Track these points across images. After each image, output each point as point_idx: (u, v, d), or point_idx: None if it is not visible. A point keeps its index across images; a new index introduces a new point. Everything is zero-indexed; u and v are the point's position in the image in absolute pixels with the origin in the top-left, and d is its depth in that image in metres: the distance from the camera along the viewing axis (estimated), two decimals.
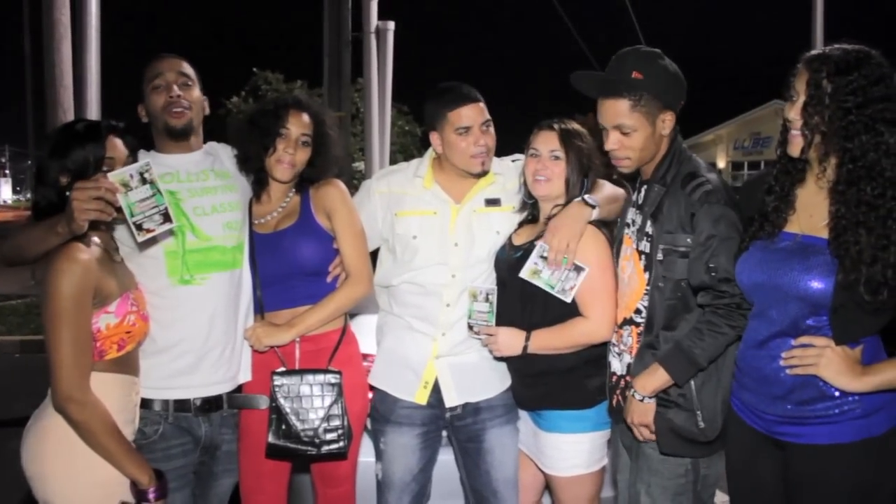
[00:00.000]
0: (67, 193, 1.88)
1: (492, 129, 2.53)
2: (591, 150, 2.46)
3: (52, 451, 1.96)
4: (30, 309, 9.53)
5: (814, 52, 1.89)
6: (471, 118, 2.46)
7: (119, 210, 1.89)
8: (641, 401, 2.18)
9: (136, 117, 2.39)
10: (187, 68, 2.39)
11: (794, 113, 1.89)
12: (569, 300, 2.32)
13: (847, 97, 1.79)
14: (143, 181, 1.89)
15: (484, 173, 2.55)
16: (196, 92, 2.39)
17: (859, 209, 1.80)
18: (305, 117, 2.45)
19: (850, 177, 1.82)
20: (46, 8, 8.79)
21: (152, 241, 2.19)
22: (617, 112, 2.20)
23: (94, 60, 5.41)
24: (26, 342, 8.00)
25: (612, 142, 2.23)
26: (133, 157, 2.10)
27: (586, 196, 2.39)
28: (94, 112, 5.38)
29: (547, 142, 2.44)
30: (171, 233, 2.23)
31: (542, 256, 2.32)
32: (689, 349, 2.09)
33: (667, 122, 2.22)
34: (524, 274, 2.34)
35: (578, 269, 2.30)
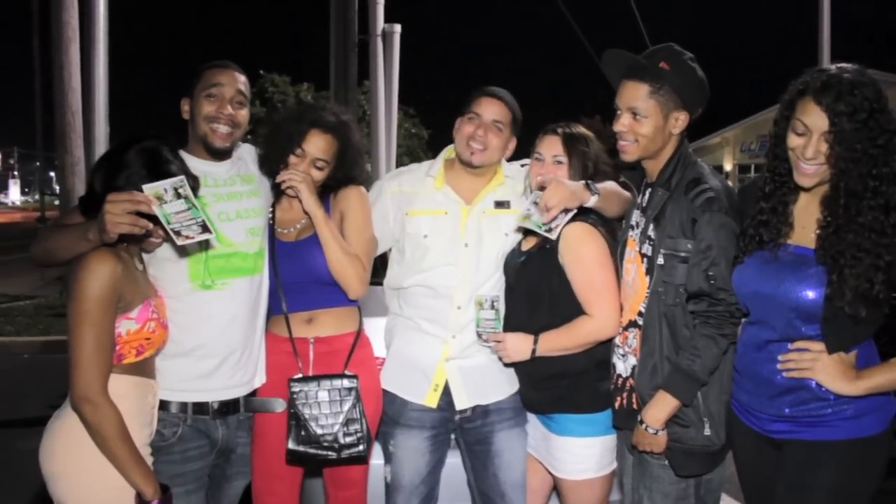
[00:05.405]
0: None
1: (502, 133, 2.54)
2: (596, 153, 2.48)
3: (65, 450, 1.97)
4: (38, 310, 9.57)
5: (817, 81, 1.86)
6: (486, 109, 2.53)
7: (154, 221, 1.89)
8: (655, 434, 2.16)
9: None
10: (245, 85, 2.39)
11: (810, 151, 1.87)
12: (554, 238, 2.31)
13: (866, 139, 1.81)
14: (178, 196, 1.89)
15: (478, 167, 2.56)
16: (245, 111, 2.39)
17: (850, 227, 1.83)
18: (328, 139, 2.44)
19: (847, 201, 1.84)
20: (55, 11, 8.86)
21: (192, 246, 2.19)
22: (635, 95, 2.21)
23: (102, 63, 5.42)
24: (35, 343, 8.03)
25: (622, 124, 2.24)
26: None
27: (590, 182, 2.40)
28: (101, 114, 5.42)
29: (550, 146, 2.47)
30: (207, 243, 2.22)
31: (534, 202, 2.33)
32: (689, 367, 2.09)
33: (679, 121, 2.23)
34: (517, 220, 2.37)
35: (566, 210, 2.30)
